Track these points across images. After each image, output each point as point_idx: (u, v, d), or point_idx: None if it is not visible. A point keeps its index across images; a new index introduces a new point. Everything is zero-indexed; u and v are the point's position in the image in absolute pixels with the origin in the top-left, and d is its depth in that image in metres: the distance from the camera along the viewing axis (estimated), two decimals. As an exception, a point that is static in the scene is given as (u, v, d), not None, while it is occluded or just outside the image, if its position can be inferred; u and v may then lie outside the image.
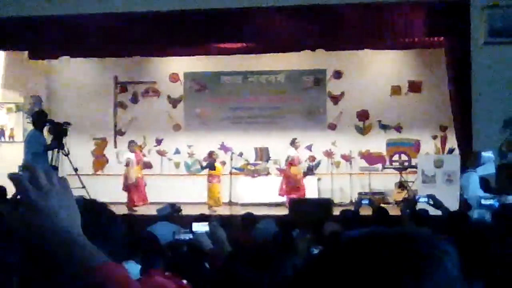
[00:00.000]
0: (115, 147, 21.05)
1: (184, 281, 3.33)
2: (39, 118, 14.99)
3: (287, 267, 5.43)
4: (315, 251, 5.50)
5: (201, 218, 8.19)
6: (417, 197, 8.94)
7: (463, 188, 6.93)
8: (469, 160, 7.29)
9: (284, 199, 17.94)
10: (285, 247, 7.06)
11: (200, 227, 6.15)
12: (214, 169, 18.43)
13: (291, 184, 18.26)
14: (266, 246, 7.50)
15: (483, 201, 5.29)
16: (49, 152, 15.04)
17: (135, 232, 9.75)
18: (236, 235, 8.18)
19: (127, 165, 18.17)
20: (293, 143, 18.59)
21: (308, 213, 14.35)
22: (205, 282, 4.58)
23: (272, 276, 4.34)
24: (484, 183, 7.59)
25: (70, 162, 15.71)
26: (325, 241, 7.49)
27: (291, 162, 18.49)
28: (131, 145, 18.54)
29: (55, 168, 15.08)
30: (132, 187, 18.03)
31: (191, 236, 6.33)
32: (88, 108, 20.68)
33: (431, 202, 7.73)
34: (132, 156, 18.24)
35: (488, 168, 7.11)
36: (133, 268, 6.35)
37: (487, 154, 7.08)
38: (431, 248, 1.16)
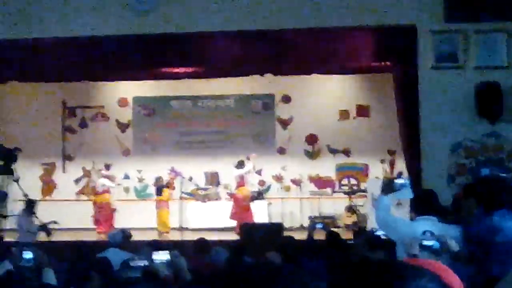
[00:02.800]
0: (64, 172, 20.85)
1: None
2: (-13, 143, 14.87)
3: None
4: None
5: (156, 245, 8.16)
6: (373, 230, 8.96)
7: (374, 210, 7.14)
8: (382, 187, 7.36)
9: (234, 223, 17.78)
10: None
11: (161, 256, 6.16)
12: (161, 195, 18.33)
13: (240, 206, 18.01)
14: (223, 272, 7.50)
15: (424, 242, 5.31)
16: (-1, 178, 14.93)
17: (86, 259, 9.67)
18: (189, 261, 8.15)
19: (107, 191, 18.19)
20: (241, 165, 18.41)
21: (258, 238, 14.34)
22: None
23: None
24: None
25: (20, 188, 15.49)
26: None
27: (239, 183, 18.28)
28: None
29: (5, 194, 14.93)
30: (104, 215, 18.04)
31: (146, 262, 6.31)
32: (36, 132, 20.47)
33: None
34: (107, 182, 18.23)
35: (404, 194, 7.22)
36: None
37: (400, 181, 7.17)
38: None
